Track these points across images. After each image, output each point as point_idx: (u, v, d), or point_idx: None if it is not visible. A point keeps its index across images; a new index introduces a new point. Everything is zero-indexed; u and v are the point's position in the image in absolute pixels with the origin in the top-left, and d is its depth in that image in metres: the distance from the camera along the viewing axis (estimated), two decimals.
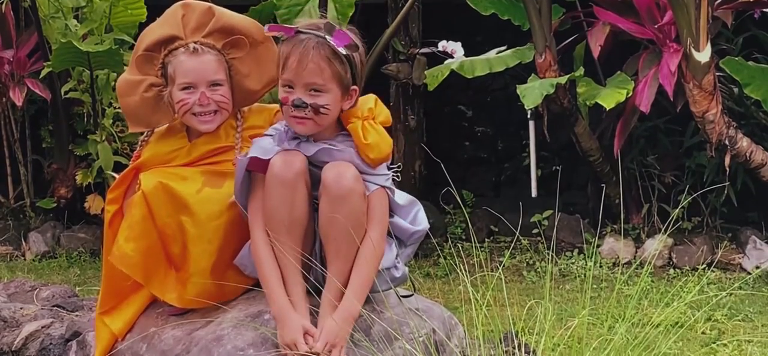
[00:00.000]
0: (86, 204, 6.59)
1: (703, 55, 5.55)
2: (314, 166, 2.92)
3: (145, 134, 3.21)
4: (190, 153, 3.12)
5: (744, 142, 5.75)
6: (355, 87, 2.92)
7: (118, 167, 6.04)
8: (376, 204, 2.91)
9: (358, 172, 2.88)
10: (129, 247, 3.04)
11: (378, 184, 2.92)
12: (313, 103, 2.85)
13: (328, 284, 2.87)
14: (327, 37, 2.85)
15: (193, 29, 3.05)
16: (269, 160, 2.89)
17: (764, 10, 5.92)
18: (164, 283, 3.08)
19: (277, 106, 3.18)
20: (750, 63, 5.72)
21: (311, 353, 2.78)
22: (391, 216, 2.98)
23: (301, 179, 2.86)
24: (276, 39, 3.07)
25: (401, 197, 3.03)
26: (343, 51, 2.85)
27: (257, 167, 2.92)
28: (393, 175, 2.99)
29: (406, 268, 3.05)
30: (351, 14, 5.89)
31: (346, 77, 2.88)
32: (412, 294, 3.14)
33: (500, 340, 2.85)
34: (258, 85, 3.12)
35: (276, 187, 2.86)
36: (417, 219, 3.05)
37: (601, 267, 5.79)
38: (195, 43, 3.03)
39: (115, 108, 6.26)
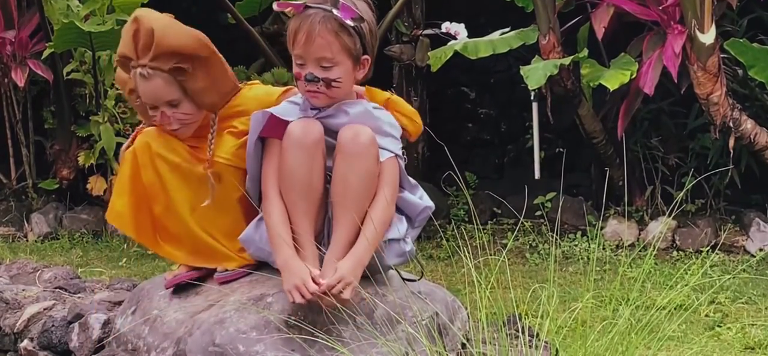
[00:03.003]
0: (88, 186, 6.60)
1: (708, 37, 5.54)
2: (331, 138, 2.93)
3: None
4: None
5: (748, 124, 5.74)
6: (366, 56, 2.95)
7: (121, 148, 6.04)
8: (387, 170, 2.93)
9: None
10: (119, 203, 3.09)
11: (391, 151, 2.94)
12: (324, 77, 2.88)
13: (334, 239, 2.89)
14: (333, 10, 2.86)
15: (142, 50, 2.98)
16: (286, 126, 2.90)
17: None
18: (155, 239, 3.14)
19: (279, 89, 3.18)
20: (755, 45, 5.70)
21: (321, 294, 2.77)
22: (401, 190, 2.99)
23: (319, 146, 2.89)
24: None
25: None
26: (349, 23, 2.87)
27: (273, 133, 2.94)
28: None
29: (414, 247, 3.05)
30: None
31: (355, 48, 2.90)
32: (419, 279, 3.13)
33: (503, 323, 2.84)
34: (217, 97, 3.07)
35: (294, 151, 2.87)
36: (422, 198, 3.07)
37: (604, 249, 5.79)
38: (143, 67, 2.98)
39: (117, 89, 6.26)
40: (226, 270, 3.12)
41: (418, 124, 3.10)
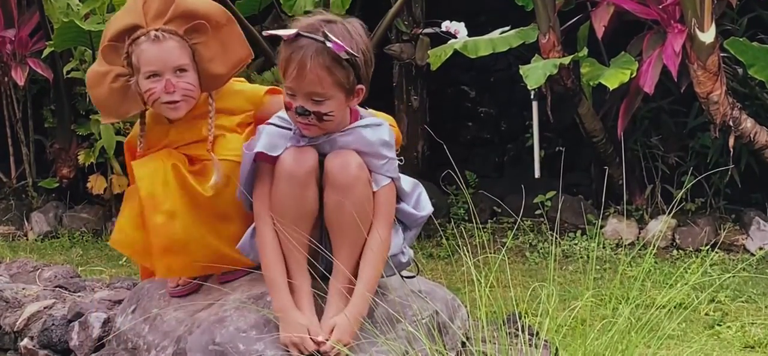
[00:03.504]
0: (88, 184, 6.60)
1: (708, 36, 5.54)
2: (322, 155, 2.88)
3: (140, 130, 3.18)
4: (167, 135, 3.11)
5: (748, 123, 5.74)
6: (360, 86, 2.85)
7: (121, 147, 6.04)
8: (384, 200, 2.87)
9: (363, 161, 2.84)
10: (139, 235, 3.06)
11: (387, 176, 2.88)
12: (316, 110, 2.78)
13: (335, 273, 2.84)
14: (326, 43, 2.75)
15: (154, 16, 3.00)
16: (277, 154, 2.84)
17: None
18: (161, 263, 3.10)
19: (264, 87, 3.17)
20: (754, 44, 5.70)
21: (319, 351, 2.76)
22: (397, 202, 2.95)
23: (312, 176, 2.83)
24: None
25: (405, 182, 2.99)
26: (344, 56, 2.76)
27: (265, 157, 2.87)
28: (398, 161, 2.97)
29: (411, 251, 3.03)
30: None
31: (348, 81, 2.80)
32: (416, 275, 3.12)
33: (503, 322, 2.84)
34: (223, 69, 3.07)
35: (286, 183, 2.82)
36: (420, 202, 3.02)
37: (604, 248, 5.79)
38: (156, 30, 2.98)
39: None
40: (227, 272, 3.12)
41: (398, 132, 3.05)
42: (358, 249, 2.84)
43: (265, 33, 2.97)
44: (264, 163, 2.88)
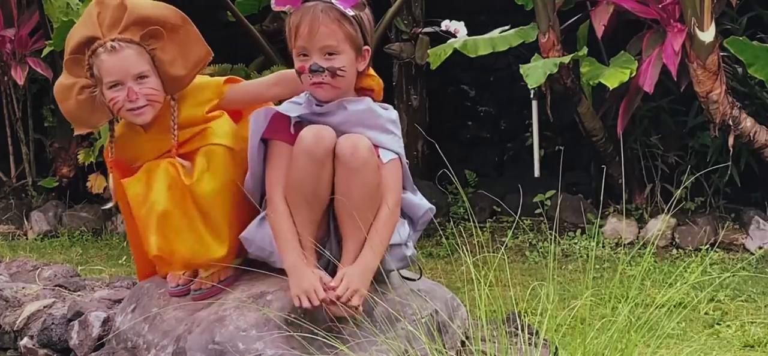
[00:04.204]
0: (88, 184, 6.60)
1: (707, 35, 5.53)
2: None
3: (110, 138, 3.19)
4: (143, 144, 3.13)
5: (748, 122, 5.74)
6: (366, 47, 2.97)
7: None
8: (391, 174, 2.94)
9: (372, 144, 2.91)
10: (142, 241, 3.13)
11: (393, 151, 2.96)
12: (329, 66, 2.90)
13: (344, 246, 2.91)
14: (333, 0, 2.89)
15: (109, 26, 3.02)
16: (288, 126, 2.92)
17: None
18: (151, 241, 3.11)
19: (222, 78, 3.19)
20: (754, 43, 5.70)
21: (330, 299, 2.80)
22: (403, 191, 3.01)
23: (329, 157, 2.88)
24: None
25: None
26: (350, 12, 2.90)
27: (274, 134, 2.94)
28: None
29: (415, 250, 3.06)
30: None
31: (357, 37, 2.93)
32: (419, 278, 3.13)
33: (503, 321, 2.85)
34: (184, 70, 3.09)
35: (304, 161, 2.87)
36: (423, 200, 3.08)
37: (603, 247, 5.79)
38: (113, 40, 3.00)
39: None
40: (200, 289, 3.13)
41: (380, 81, 3.13)
42: (364, 231, 2.88)
43: (273, 4, 3.00)
44: (275, 143, 2.95)
